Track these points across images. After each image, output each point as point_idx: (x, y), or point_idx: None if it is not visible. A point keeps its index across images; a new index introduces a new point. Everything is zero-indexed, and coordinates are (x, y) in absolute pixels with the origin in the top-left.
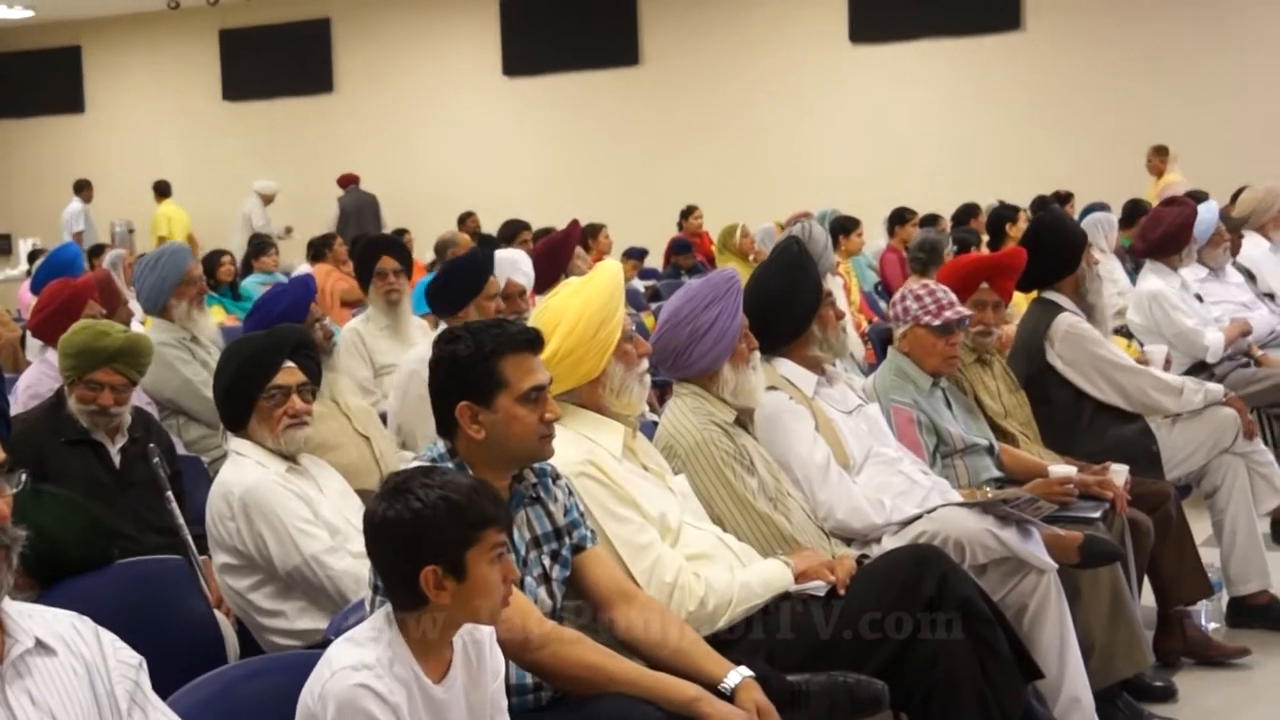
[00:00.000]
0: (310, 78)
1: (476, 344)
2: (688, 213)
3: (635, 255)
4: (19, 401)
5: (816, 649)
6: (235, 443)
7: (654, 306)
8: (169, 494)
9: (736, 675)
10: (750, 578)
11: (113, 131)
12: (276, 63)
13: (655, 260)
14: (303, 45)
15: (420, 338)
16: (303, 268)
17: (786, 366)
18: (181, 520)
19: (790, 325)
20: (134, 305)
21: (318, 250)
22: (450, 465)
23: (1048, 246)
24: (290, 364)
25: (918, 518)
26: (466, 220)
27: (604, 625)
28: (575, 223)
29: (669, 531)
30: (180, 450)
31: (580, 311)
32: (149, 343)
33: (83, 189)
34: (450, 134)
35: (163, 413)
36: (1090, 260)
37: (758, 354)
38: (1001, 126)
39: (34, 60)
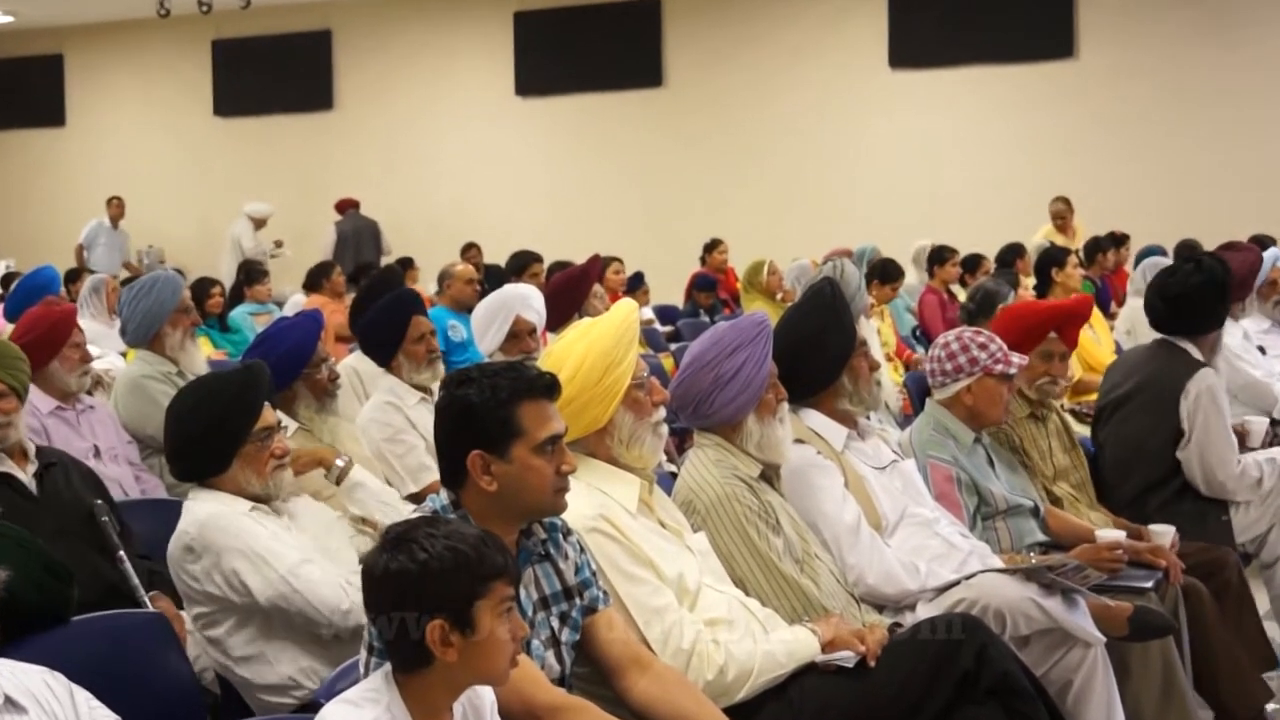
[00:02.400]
0: (309, 94)
1: (492, 389)
2: (711, 246)
3: (634, 285)
4: None
5: None
6: (198, 492)
7: (674, 348)
8: (121, 554)
9: None
10: (774, 646)
11: (95, 147)
12: (273, 77)
13: (674, 296)
14: (301, 59)
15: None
16: (297, 298)
17: (815, 418)
18: (137, 582)
19: (820, 374)
20: (95, 335)
21: (314, 280)
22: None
23: (1204, 296)
24: (266, 403)
25: (955, 584)
26: (468, 251)
27: (616, 694)
28: (596, 258)
29: (687, 594)
30: (161, 494)
31: (585, 354)
32: (15, 348)
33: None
34: (458, 157)
35: (144, 451)
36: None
37: (785, 405)
38: (1049, 160)
39: (12, 69)
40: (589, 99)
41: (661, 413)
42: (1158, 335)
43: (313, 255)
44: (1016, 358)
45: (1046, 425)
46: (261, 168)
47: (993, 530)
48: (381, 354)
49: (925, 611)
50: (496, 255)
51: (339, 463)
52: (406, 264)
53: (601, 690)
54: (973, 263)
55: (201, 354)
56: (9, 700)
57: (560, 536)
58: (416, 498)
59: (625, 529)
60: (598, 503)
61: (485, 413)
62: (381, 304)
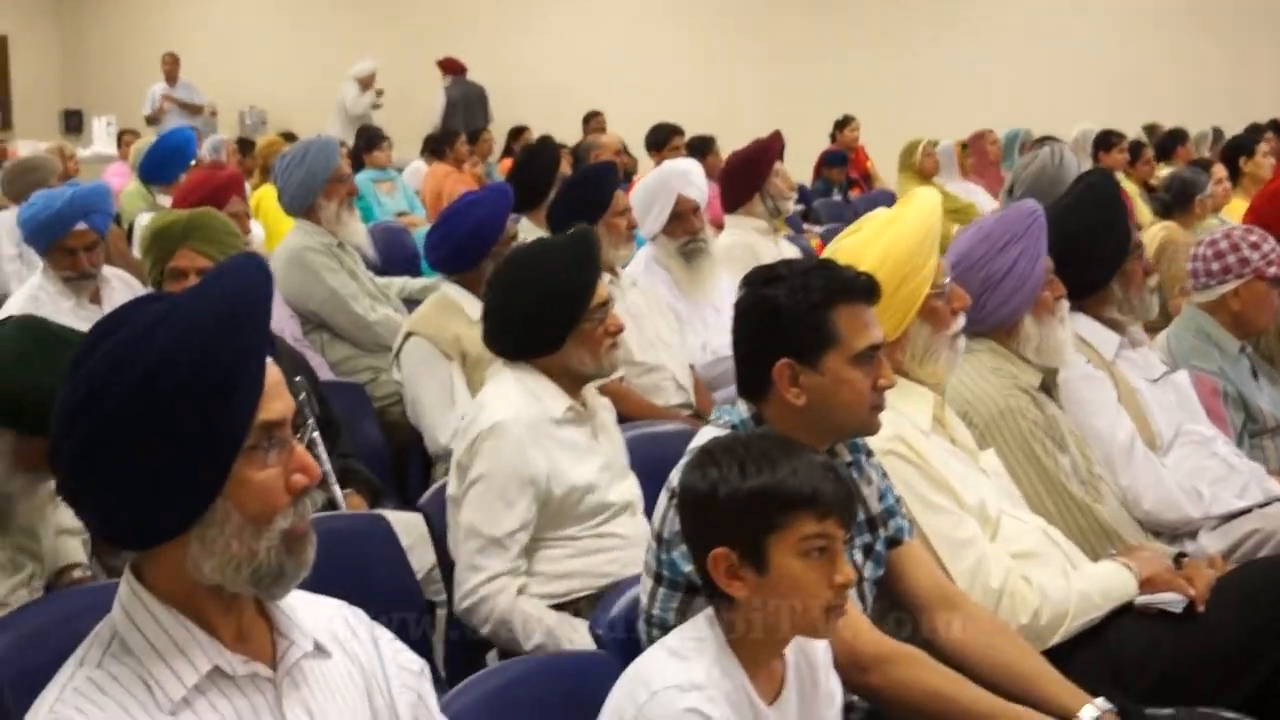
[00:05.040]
0: None
1: (803, 289)
2: (843, 124)
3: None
4: None
5: (1169, 676)
6: (507, 379)
7: (819, 230)
8: (315, 436)
9: (1093, 709)
10: (1087, 585)
11: (198, 4)
12: None
13: (801, 175)
14: None
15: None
16: (416, 165)
17: (1084, 324)
18: (330, 468)
19: (1090, 277)
20: None
21: (436, 146)
22: None
23: None
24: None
25: (1244, 512)
26: (591, 121)
27: (923, 633)
28: (776, 134)
29: (988, 522)
30: (325, 374)
31: (883, 256)
32: (223, 218)
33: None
34: (570, 22)
35: (305, 327)
36: None
37: (1065, 303)
38: (1184, 49)
39: None
40: None
41: (961, 322)
42: None
43: (418, 119)
44: None
45: None
46: (365, 28)
47: (1259, 450)
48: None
49: (1208, 541)
50: (615, 128)
51: None
52: (519, 132)
53: (898, 631)
54: (1137, 150)
55: (360, 225)
56: (317, 645)
57: (863, 458)
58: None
59: (922, 451)
60: (891, 421)
61: (796, 316)
62: (579, 176)
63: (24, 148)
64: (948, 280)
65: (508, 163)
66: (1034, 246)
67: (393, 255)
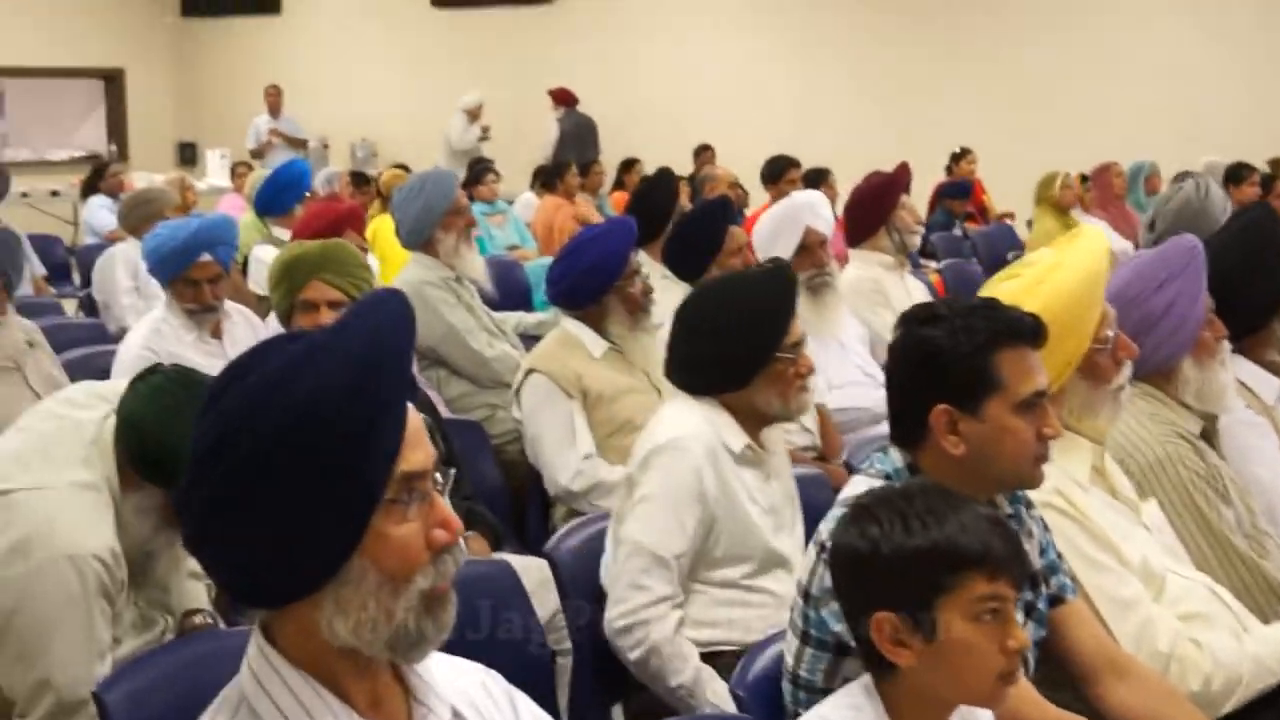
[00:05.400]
0: None
1: (965, 330)
2: (960, 156)
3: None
4: None
5: None
6: (687, 410)
7: (935, 265)
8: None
9: None
10: (1261, 649)
11: (309, 37)
12: None
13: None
14: None
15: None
16: (527, 197)
17: (1243, 367)
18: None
19: (1248, 317)
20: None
21: (547, 179)
22: None
23: None
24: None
25: None
26: (702, 154)
27: (1088, 699)
28: (904, 166)
29: (1152, 580)
30: (442, 410)
31: (1044, 307)
32: (355, 250)
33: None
34: (680, 54)
35: (421, 363)
36: None
37: (1226, 345)
38: None
39: None
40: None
41: (1127, 373)
42: None
43: (527, 151)
44: None
45: None
46: (475, 60)
47: None
48: (692, 267)
49: None
50: (724, 161)
51: None
52: (630, 165)
53: (1057, 694)
54: (1268, 185)
55: (478, 259)
56: (455, 713)
57: (1024, 510)
58: None
59: (1081, 506)
60: (1048, 473)
61: (957, 359)
62: (696, 212)
63: (139, 179)
64: (1112, 333)
65: (619, 195)
66: (1193, 285)
67: (505, 289)
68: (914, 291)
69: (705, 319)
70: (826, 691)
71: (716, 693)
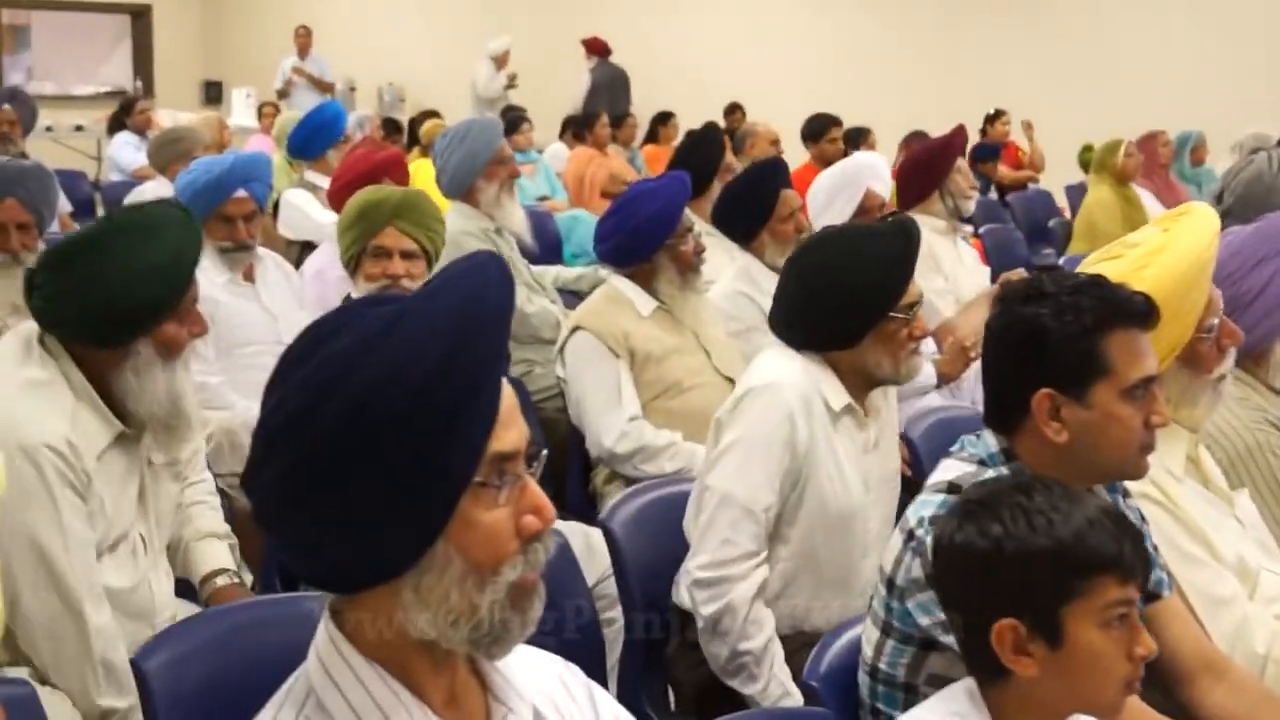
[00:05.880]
0: None
1: (1073, 310)
2: (994, 118)
3: None
4: (310, 290)
5: None
6: (788, 364)
7: (969, 230)
8: None
9: None
10: None
11: None
12: None
13: None
14: None
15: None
16: (557, 148)
17: None
18: None
19: None
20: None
21: (578, 129)
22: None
23: None
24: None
25: None
26: (733, 114)
27: (1180, 700)
28: (960, 129)
29: (1247, 577)
30: None
31: (1154, 286)
32: (431, 201)
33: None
34: (714, 8)
35: None
36: None
37: None
38: None
39: None
40: None
41: (1230, 361)
42: None
43: (556, 101)
44: None
45: None
46: (505, 6)
47: None
48: (742, 229)
49: None
50: (755, 119)
51: None
52: (664, 118)
53: (1148, 694)
54: None
55: (520, 210)
56: (536, 713)
57: (1120, 500)
58: None
59: (1175, 496)
60: None
61: (1063, 341)
62: (749, 173)
63: (165, 117)
64: (1217, 320)
65: (650, 149)
66: None
67: (535, 241)
68: (965, 257)
69: (822, 270)
70: (908, 687)
71: (780, 681)
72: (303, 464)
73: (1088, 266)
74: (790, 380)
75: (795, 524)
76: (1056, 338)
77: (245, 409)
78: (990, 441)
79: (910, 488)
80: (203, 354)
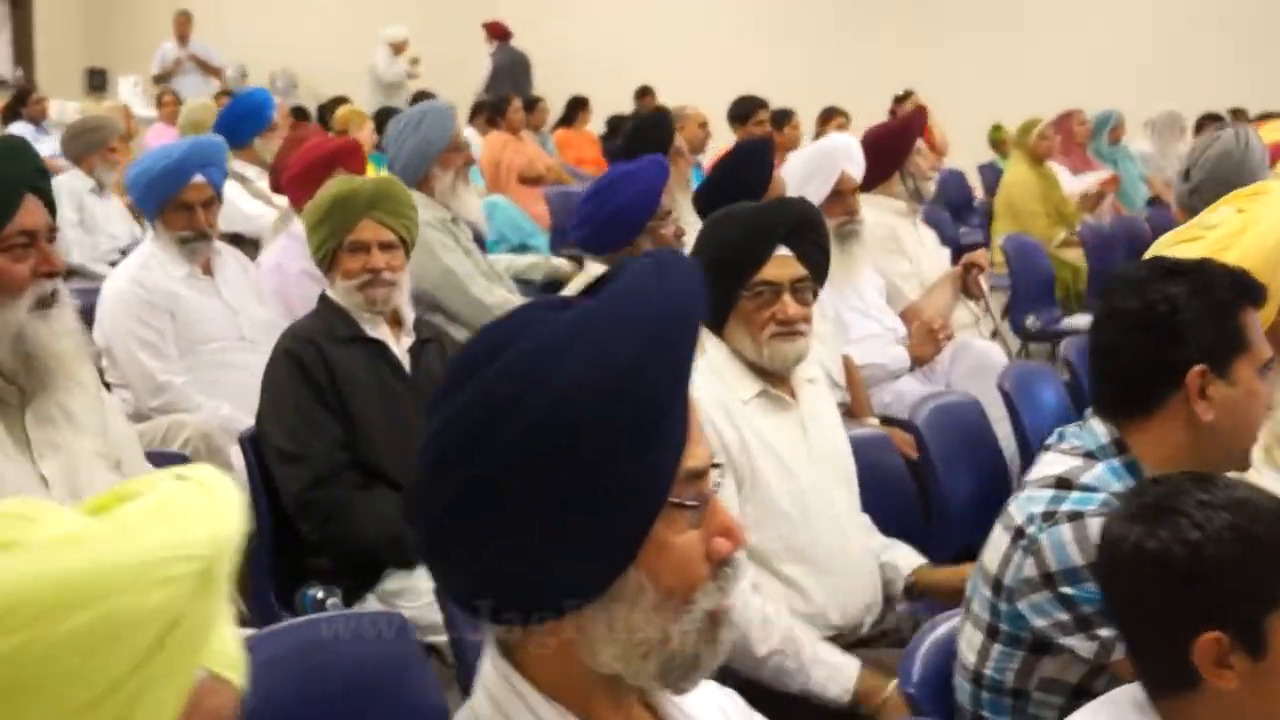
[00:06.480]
0: None
1: (1207, 286)
2: (902, 98)
3: None
4: (267, 284)
5: None
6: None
7: None
8: None
9: None
10: None
11: None
12: None
13: None
14: None
15: None
16: (468, 133)
17: None
18: None
19: None
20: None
21: (490, 114)
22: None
23: None
24: (785, 251)
25: None
26: (644, 97)
27: None
28: (921, 109)
29: None
30: None
31: (1240, 263)
32: (405, 189)
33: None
34: None
35: (419, 308)
36: None
37: None
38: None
39: None
40: None
41: None
42: None
43: (458, 86)
44: None
45: None
46: None
47: None
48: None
49: None
50: (667, 100)
51: None
52: (579, 104)
53: None
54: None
55: (475, 199)
56: None
57: None
58: None
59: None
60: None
61: (1209, 315)
62: (737, 153)
63: (53, 108)
64: None
65: (563, 133)
66: None
67: None
68: (926, 239)
69: (696, 250)
70: (1017, 692)
71: (824, 647)
72: (482, 485)
73: (1162, 249)
74: (702, 388)
75: (762, 526)
76: (1202, 313)
77: (213, 410)
78: (1099, 431)
79: (918, 474)
80: (165, 353)
